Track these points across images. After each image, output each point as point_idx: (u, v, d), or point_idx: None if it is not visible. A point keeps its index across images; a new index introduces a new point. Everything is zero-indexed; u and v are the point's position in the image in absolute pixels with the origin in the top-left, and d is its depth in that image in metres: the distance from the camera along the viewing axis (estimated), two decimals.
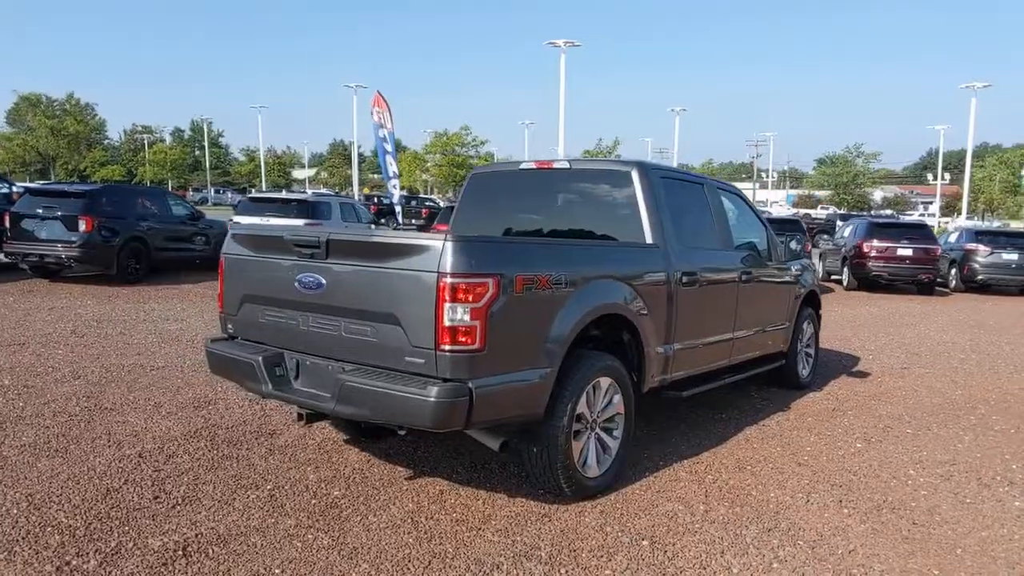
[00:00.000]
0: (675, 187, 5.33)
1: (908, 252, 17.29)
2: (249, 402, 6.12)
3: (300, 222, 14.06)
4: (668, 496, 4.42)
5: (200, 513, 3.94)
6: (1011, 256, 18.19)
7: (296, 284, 4.02)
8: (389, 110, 19.48)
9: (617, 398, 4.46)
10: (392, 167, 19.79)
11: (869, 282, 17.73)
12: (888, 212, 60.83)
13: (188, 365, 7.35)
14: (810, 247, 16.39)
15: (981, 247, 18.45)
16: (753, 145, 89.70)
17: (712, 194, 5.83)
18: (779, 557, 3.68)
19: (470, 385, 3.51)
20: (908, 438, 5.82)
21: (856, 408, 6.69)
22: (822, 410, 6.58)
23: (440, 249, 3.47)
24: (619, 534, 3.88)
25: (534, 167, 5.56)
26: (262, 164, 56.85)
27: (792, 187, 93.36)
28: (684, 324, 5.04)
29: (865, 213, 47.14)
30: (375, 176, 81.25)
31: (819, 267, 19.09)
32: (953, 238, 20.22)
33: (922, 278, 17.28)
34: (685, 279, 5.01)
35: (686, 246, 5.14)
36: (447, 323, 3.47)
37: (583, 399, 4.17)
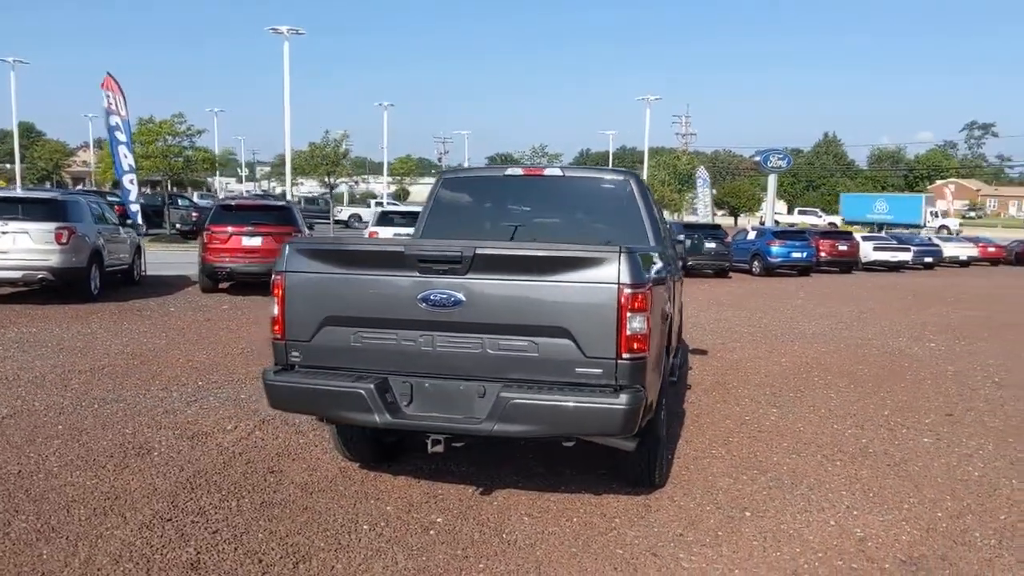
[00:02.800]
0: (649, 193, 5.84)
1: None
2: (189, 439, 5.33)
3: (50, 226, 11.81)
4: (710, 472, 4.94)
5: (338, 564, 3.50)
6: (710, 245, 22.01)
7: (419, 302, 3.73)
8: (122, 94, 17.00)
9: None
10: (128, 159, 17.32)
11: None
12: None
13: (42, 408, 6.03)
14: None
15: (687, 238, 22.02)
16: (440, 141, 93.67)
17: (653, 197, 6.46)
18: (847, 506, 4.41)
19: (641, 389, 3.67)
20: (797, 400, 7.08)
21: (734, 380, 7.87)
22: (713, 384, 7.64)
23: (618, 261, 3.57)
24: (719, 510, 4.31)
25: (522, 173, 5.65)
26: None
27: None
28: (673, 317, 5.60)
29: None
30: None
31: None
32: None
33: None
34: (676, 277, 5.58)
35: (666, 247, 5.70)
36: (628, 332, 3.58)
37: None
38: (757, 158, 46.20)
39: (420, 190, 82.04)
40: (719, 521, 4.16)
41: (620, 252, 3.59)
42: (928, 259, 30.14)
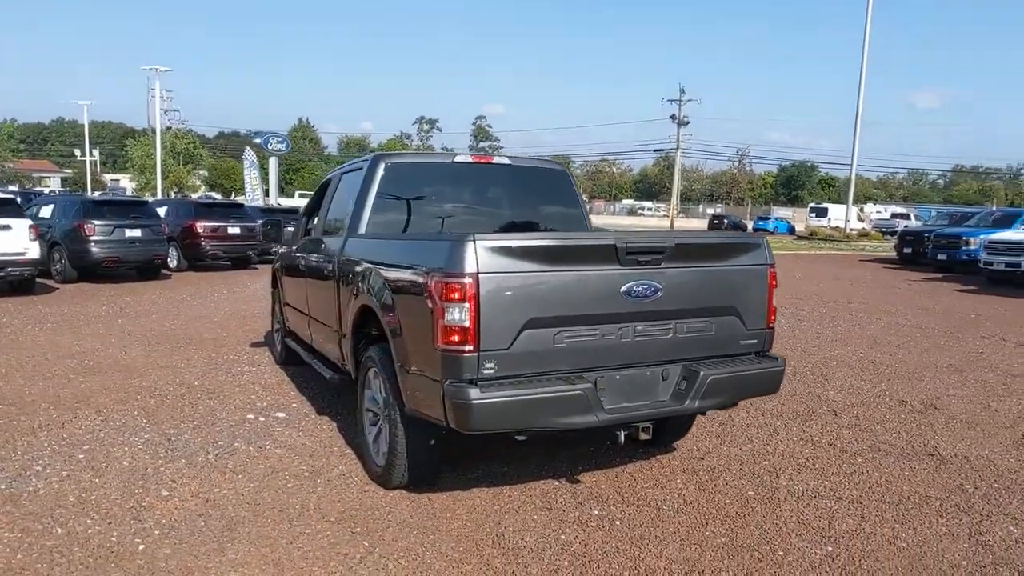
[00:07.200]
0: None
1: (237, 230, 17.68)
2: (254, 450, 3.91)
3: None
4: None
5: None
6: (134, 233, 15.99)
7: (622, 295, 3.69)
8: None
9: None
10: None
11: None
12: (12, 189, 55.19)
13: None
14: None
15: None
16: None
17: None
18: (767, 436, 5.66)
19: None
20: None
21: None
22: None
23: (765, 245, 4.19)
24: (736, 446, 5.16)
25: (472, 161, 5.43)
26: None
27: None
28: None
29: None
30: None
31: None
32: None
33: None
34: None
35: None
36: (773, 304, 4.22)
37: None
38: (257, 140, 45.74)
39: None
40: (749, 454, 5.03)
41: (765, 238, 4.21)
42: None
